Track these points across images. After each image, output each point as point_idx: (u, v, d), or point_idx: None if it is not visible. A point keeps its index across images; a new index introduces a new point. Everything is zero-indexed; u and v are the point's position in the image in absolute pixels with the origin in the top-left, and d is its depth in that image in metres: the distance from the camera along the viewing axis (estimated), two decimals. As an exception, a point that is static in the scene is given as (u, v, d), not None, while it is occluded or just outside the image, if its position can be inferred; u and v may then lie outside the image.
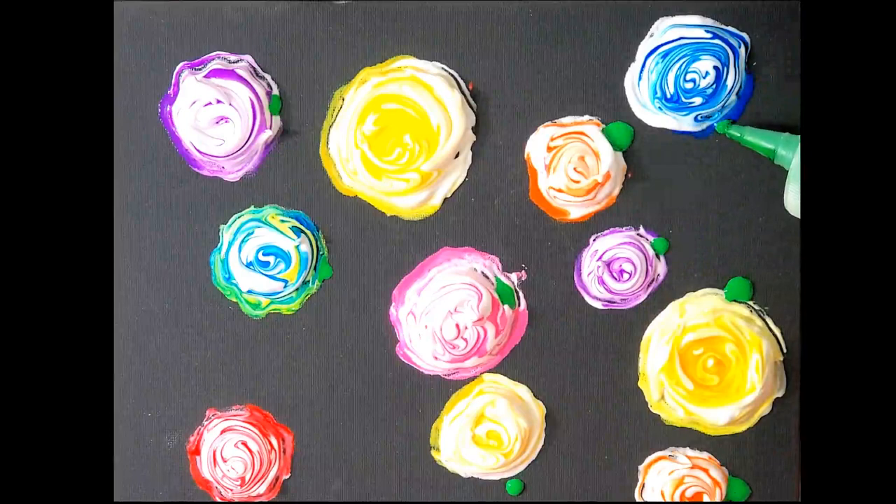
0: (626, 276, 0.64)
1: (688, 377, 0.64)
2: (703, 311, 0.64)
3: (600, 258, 0.64)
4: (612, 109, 0.64)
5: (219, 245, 0.65)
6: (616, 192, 0.64)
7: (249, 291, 0.65)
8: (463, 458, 0.66)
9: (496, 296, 0.65)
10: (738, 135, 0.61)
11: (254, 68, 0.64)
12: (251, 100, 0.63)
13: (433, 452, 0.67)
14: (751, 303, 0.65)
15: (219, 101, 0.63)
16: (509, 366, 0.66)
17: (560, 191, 0.63)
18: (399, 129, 0.63)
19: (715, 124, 0.62)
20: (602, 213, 0.64)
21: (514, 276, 0.65)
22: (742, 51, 0.63)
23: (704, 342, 0.64)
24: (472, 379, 0.66)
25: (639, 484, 0.66)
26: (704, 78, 0.62)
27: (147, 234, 0.65)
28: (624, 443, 0.66)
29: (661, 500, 0.65)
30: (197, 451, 0.67)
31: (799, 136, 0.57)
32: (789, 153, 0.59)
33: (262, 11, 0.64)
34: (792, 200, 0.58)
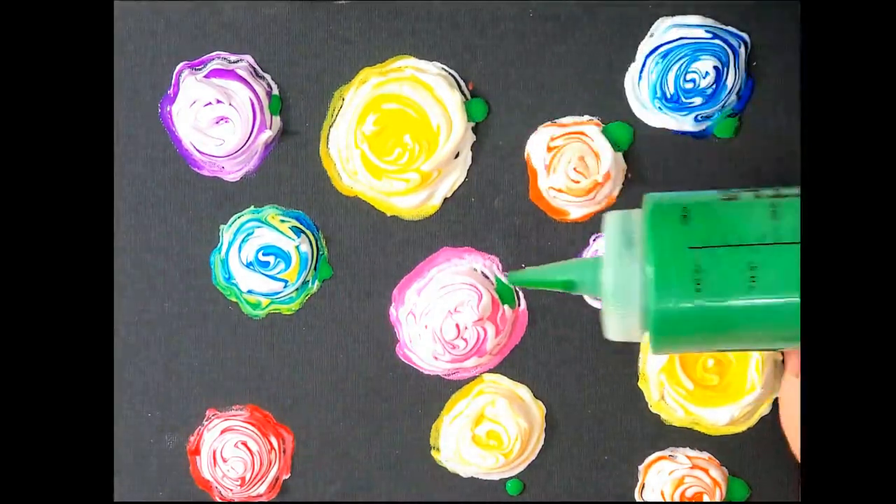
0: (626, 276, 0.64)
1: (688, 377, 0.64)
2: (703, 311, 0.64)
3: (600, 258, 0.64)
4: (612, 109, 0.64)
5: (219, 245, 0.65)
6: (616, 192, 0.64)
7: (249, 291, 0.65)
8: (463, 458, 0.66)
9: (496, 296, 0.65)
10: (524, 277, 0.53)
11: (254, 68, 0.64)
12: (251, 100, 0.63)
13: (433, 452, 0.67)
14: (751, 303, 0.65)
15: (219, 101, 0.63)
16: (509, 366, 0.66)
17: (560, 191, 0.63)
18: (399, 129, 0.63)
19: (507, 278, 0.55)
20: (602, 213, 0.64)
21: (514, 276, 0.65)
22: (742, 51, 0.63)
23: (704, 342, 0.64)
24: (472, 379, 0.66)
25: (639, 484, 0.66)
26: (704, 78, 0.62)
27: (147, 234, 0.65)
28: (624, 443, 0.66)
29: (661, 500, 0.65)
30: (197, 451, 0.67)
31: (601, 257, 0.51)
32: (592, 276, 0.51)
33: (262, 11, 0.64)
34: (610, 329, 0.51)
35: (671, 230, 0.49)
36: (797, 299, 0.48)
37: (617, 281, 0.50)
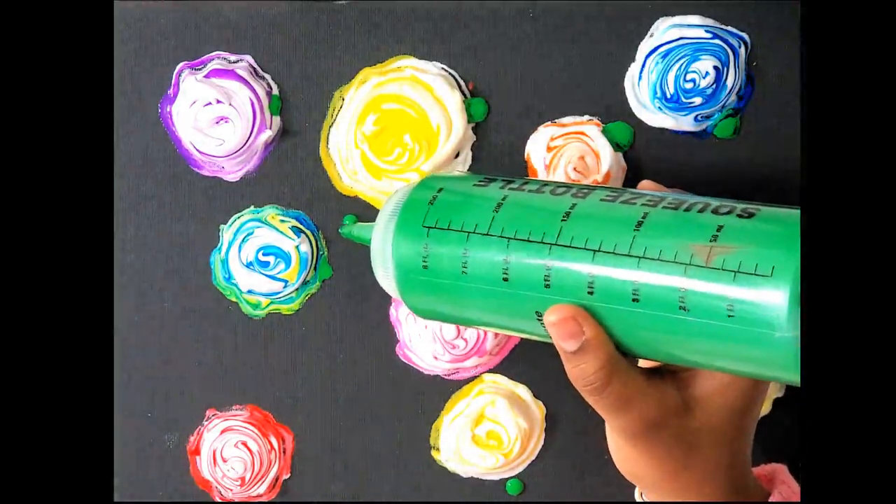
0: (626, 276, 0.64)
1: (688, 377, 0.64)
2: (703, 311, 0.64)
3: (600, 258, 0.64)
4: (612, 109, 0.64)
5: (219, 245, 0.65)
6: (616, 192, 0.64)
7: (249, 291, 0.65)
8: (463, 458, 0.66)
9: (496, 296, 0.64)
10: (349, 232, 0.61)
11: (254, 68, 0.64)
12: (251, 100, 0.63)
13: (433, 452, 0.67)
14: (751, 303, 0.65)
15: (219, 101, 0.63)
16: (509, 366, 0.66)
17: (560, 191, 0.63)
18: (399, 130, 0.63)
19: (342, 230, 0.62)
20: (602, 213, 0.64)
21: (514, 276, 0.65)
22: (742, 51, 0.63)
23: (704, 342, 0.64)
24: (472, 379, 0.66)
25: (639, 484, 0.66)
26: (704, 78, 0.62)
27: (147, 234, 0.65)
28: (624, 443, 0.66)
29: (661, 500, 0.65)
30: (197, 451, 0.67)
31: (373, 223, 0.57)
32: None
33: (262, 11, 0.64)
34: (382, 283, 0.56)
35: (417, 207, 0.54)
36: (501, 289, 0.51)
37: (378, 245, 0.55)
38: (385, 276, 0.55)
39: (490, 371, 0.66)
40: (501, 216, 0.51)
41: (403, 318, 0.65)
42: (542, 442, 0.66)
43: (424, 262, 0.53)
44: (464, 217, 0.52)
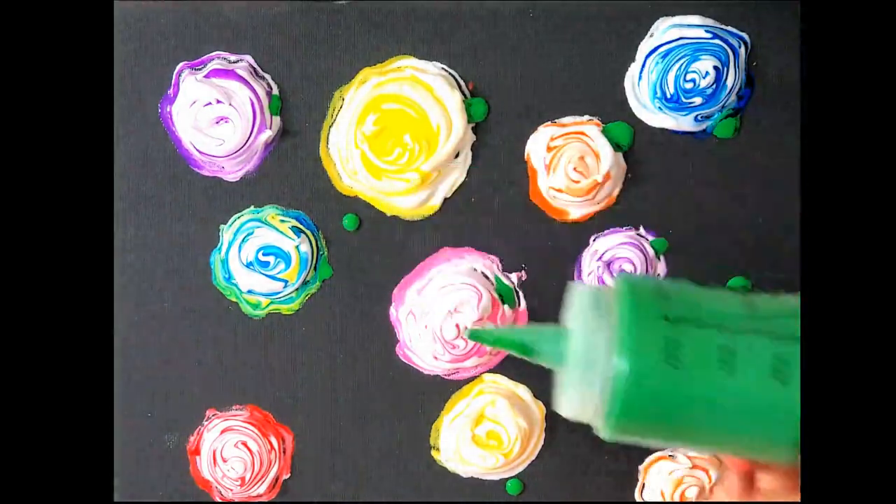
0: (626, 276, 0.64)
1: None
2: (703, 311, 0.64)
3: (600, 258, 0.64)
4: (612, 109, 0.64)
5: (219, 245, 0.65)
6: (616, 192, 0.64)
7: (249, 291, 0.65)
8: (463, 458, 0.66)
9: (496, 296, 0.65)
10: (491, 337, 0.51)
11: (254, 68, 0.64)
12: (251, 100, 0.63)
13: (433, 452, 0.67)
14: (751, 303, 0.65)
15: (219, 101, 0.63)
16: (509, 366, 0.66)
17: (560, 191, 0.63)
18: (399, 129, 0.63)
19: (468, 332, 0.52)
20: (602, 213, 0.65)
21: (514, 276, 0.65)
22: (742, 51, 0.63)
23: (705, 342, 0.64)
24: (472, 379, 0.66)
25: (639, 484, 0.66)
26: (704, 78, 0.62)
27: (147, 234, 0.65)
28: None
29: (661, 500, 0.65)
30: (197, 451, 0.67)
31: (565, 327, 0.49)
32: (554, 344, 0.49)
33: (262, 11, 0.64)
34: (566, 404, 0.48)
35: (647, 300, 0.47)
36: (771, 392, 0.45)
37: (581, 346, 0.47)
38: (585, 384, 0.47)
39: (490, 371, 0.66)
40: (760, 313, 0.47)
41: (403, 318, 0.65)
42: (542, 442, 0.66)
43: (669, 357, 0.46)
44: (714, 311, 0.47)
